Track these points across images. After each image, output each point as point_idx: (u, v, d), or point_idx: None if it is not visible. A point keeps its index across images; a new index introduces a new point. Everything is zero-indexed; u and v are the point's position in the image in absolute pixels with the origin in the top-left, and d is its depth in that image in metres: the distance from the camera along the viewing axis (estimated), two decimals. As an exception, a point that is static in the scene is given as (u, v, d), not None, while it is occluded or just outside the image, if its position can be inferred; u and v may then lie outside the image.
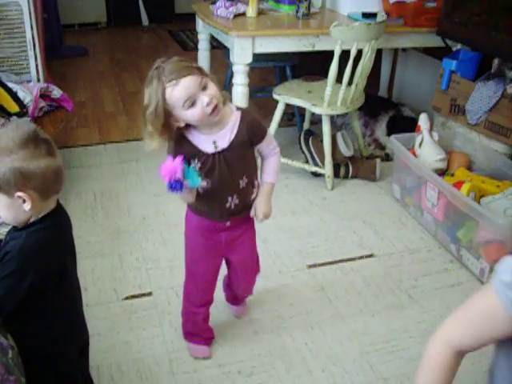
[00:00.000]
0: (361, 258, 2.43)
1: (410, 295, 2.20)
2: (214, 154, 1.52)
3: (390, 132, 3.33)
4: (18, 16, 2.88)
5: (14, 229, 1.27)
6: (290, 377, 1.81)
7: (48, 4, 4.60)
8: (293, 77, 3.48)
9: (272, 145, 1.63)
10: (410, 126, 3.12)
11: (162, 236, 2.52)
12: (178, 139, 1.52)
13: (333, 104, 2.84)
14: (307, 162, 3.08)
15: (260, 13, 3.15)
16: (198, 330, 1.87)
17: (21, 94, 2.68)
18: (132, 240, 2.49)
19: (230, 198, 1.58)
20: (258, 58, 2.94)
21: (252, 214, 1.68)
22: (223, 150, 1.52)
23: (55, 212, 1.29)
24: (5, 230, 1.35)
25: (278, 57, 3.40)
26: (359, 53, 2.77)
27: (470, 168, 2.76)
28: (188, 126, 1.51)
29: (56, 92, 2.90)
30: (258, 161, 1.68)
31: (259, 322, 2.03)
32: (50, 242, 1.25)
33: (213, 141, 1.51)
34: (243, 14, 3.09)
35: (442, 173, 2.69)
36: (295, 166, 3.03)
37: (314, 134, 3.14)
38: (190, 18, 3.64)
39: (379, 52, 3.68)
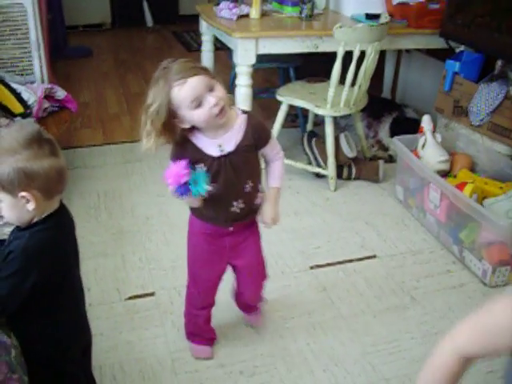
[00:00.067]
0: (363, 259, 2.43)
1: (412, 296, 2.20)
2: (219, 158, 1.50)
3: (393, 133, 3.32)
4: (22, 17, 2.90)
5: (18, 228, 1.27)
6: (291, 377, 1.82)
7: (52, 5, 4.61)
8: (296, 78, 3.49)
9: (276, 149, 1.62)
10: (414, 127, 3.11)
11: (165, 236, 2.53)
12: (183, 143, 1.50)
13: (336, 105, 2.84)
14: (310, 163, 3.09)
15: (263, 14, 3.15)
16: (200, 331, 1.87)
17: (25, 95, 2.69)
18: (135, 240, 2.50)
19: (235, 203, 1.57)
20: (261, 59, 2.94)
21: (259, 219, 1.67)
22: (229, 154, 1.50)
23: (58, 212, 1.30)
24: (8, 229, 1.35)
25: (281, 58, 3.41)
26: (362, 54, 2.77)
27: (472, 169, 2.76)
28: (192, 129, 1.49)
29: (60, 93, 2.91)
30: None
31: (261, 322, 2.04)
32: (53, 242, 1.26)
33: (218, 144, 1.50)
34: (247, 16, 3.10)
35: (444, 174, 2.70)
36: (298, 167, 3.03)
37: (317, 135, 3.15)
38: (194, 19, 3.64)
39: (383, 53, 3.68)
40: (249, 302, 1.92)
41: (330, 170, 2.93)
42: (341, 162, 3.02)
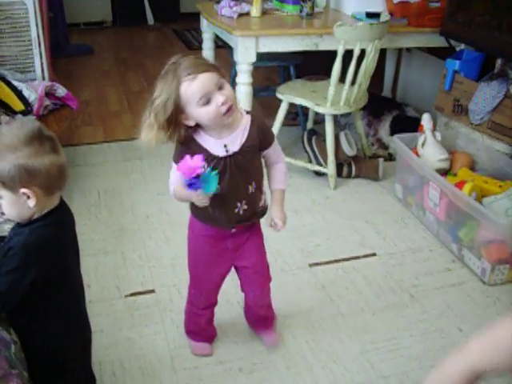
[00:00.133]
0: (362, 257, 2.43)
1: (411, 294, 2.21)
2: (225, 158, 1.49)
3: (393, 132, 3.33)
4: (23, 15, 2.91)
5: (18, 225, 1.28)
6: (290, 374, 1.82)
7: (54, 3, 4.62)
8: (297, 76, 3.49)
9: (278, 151, 1.61)
10: (414, 125, 3.12)
11: (164, 234, 2.53)
12: (187, 142, 1.49)
13: (336, 104, 2.84)
14: (310, 161, 3.10)
15: (264, 12, 3.16)
16: (201, 330, 1.87)
17: (26, 93, 2.70)
18: (135, 238, 2.50)
19: (238, 204, 1.55)
20: (261, 57, 2.95)
21: (268, 224, 1.65)
22: (234, 154, 1.49)
23: (58, 209, 1.31)
24: (8, 226, 1.36)
25: (281, 56, 3.41)
26: (363, 52, 2.78)
27: (472, 168, 2.77)
28: (196, 127, 1.48)
29: (61, 90, 2.92)
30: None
31: (260, 319, 2.04)
32: (52, 239, 1.27)
33: (224, 144, 1.48)
34: (247, 14, 3.11)
35: (444, 173, 2.70)
36: (298, 165, 3.04)
37: (317, 133, 3.15)
38: (195, 17, 3.66)
39: (383, 52, 3.69)
40: (255, 306, 1.84)
41: (330, 168, 2.94)
42: (341, 160, 3.02)
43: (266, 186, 1.66)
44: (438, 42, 3.13)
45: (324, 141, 2.98)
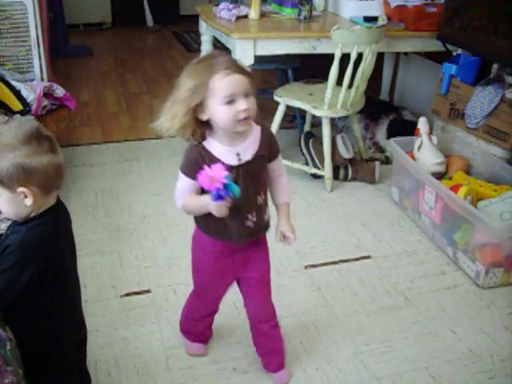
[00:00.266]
0: (358, 259, 2.45)
1: (405, 297, 2.22)
2: (237, 167, 1.46)
3: (390, 135, 3.34)
4: (22, 15, 2.92)
5: (15, 223, 1.29)
6: (284, 375, 1.83)
7: (53, 4, 4.64)
8: (295, 79, 3.51)
9: (282, 164, 1.61)
10: (411, 129, 3.13)
11: (161, 235, 2.54)
12: (198, 151, 1.46)
13: (333, 107, 2.86)
14: (307, 163, 3.11)
15: (262, 15, 3.18)
16: (198, 333, 1.86)
17: (24, 93, 2.71)
18: (132, 238, 2.51)
19: (249, 215, 1.52)
20: (259, 60, 2.96)
21: (278, 238, 1.63)
22: (246, 163, 1.47)
23: (55, 207, 1.32)
24: (5, 225, 1.37)
25: (279, 59, 3.43)
26: (360, 56, 2.79)
27: (468, 172, 2.78)
28: (207, 134, 1.45)
29: (59, 91, 2.93)
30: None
31: (256, 320, 2.05)
32: (49, 237, 1.28)
33: (236, 153, 1.46)
34: (246, 17, 3.13)
35: (440, 176, 2.72)
36: (295, 168, 3.05)
37: (314, 136, 3.17)
38: (195, 19, 3.67)
39: (381, 56, 3.71)
40: (257, 322, 1.75)
41: (327, 171, 2.95)
42: (337, 162, 3.04)
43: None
44: (435, 46, 3.15)
45: (321, 143, 3.00)
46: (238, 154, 1.46)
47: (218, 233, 1.55)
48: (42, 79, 3.07)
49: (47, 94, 2.88)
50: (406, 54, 3.94)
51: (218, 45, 3.68)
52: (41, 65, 3.06)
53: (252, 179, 1.49)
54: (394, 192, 2.90)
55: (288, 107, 3.05)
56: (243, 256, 1.62)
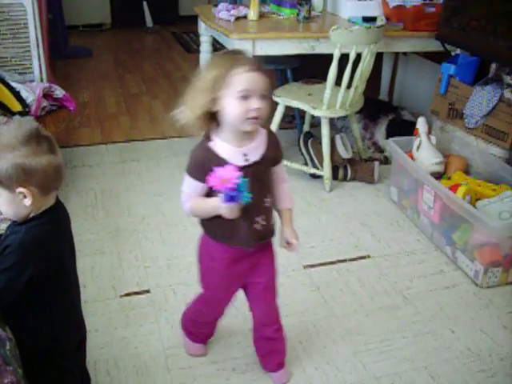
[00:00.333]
0: (357, 259, 2.45)
1: (404, 296, 2.23)
2: (245, 168, 1.43)
3: (389, 135, 3.35)
4: (22, 16, 2.93)
5: (14, 223, 1.30)
6: (283, 374, 1.84)
7: (53, 5, 4.65)
8: (294, 79, 3.52)
9: (283, 169, 1.61)
10: (410, 129, 3.14)
11: (160, 235, 2.55)
12: (205, 152, 1.45)
13: (332, 107, 2.87)
14: (306, 163, 3.12)
15: (261, 16, 3.18)
16: (200, 334, 1.86)
17: (24, 94, 2.72)
18: (131, 238, 2.52)
19: (257, 218, 1.51)
20: (258, 60, 2.96)
21: (282, 245, 1.62)
22: (254, 164, 1.46)
23: (54, 208, 1.32)
24: (5, 225, 1.38)
25: (279, 60, 3.43)
26: (359, 56, 2.80)
27: (467, 171, 2.79)
28: (215, 134, 1.45)
29: (58, 92, 2.93)
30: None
31: (255, 320, 2.06)
32: (48, 237, 1.28)
33: (243, 153, 1.45)
34: (245, 17, 3.13)
35: (439, 176, 2.72)
36: (294, 168, 3.06)
37: (313, 136, 3.18)
38: (194, 20, 3.67)
39: (380, 56, 3.72)
40: (262, 326, 1.74)
41: (326, 171, 2.96)
42: (336, 162, 3.04)
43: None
44: (434, 46, 3.16)
45: (320, 144, 3.00)
46: (245, 155, 1.45)
47: (227, 237, 1.53)
48: (42, 80, 3.08)
49: (47, 95, 2.88)
50: (405, 54, 3.94)
51: (217, 46, 3.68)
52: (40, 66, 3.07)
53: (259, 181, 1.47)
54: (393, 192, 2.91)
55: (287, 107, 3.05)
56: (252, 261, 1.60)
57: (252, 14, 3.11)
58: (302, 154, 3.14)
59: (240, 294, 1.74)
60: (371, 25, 2.83)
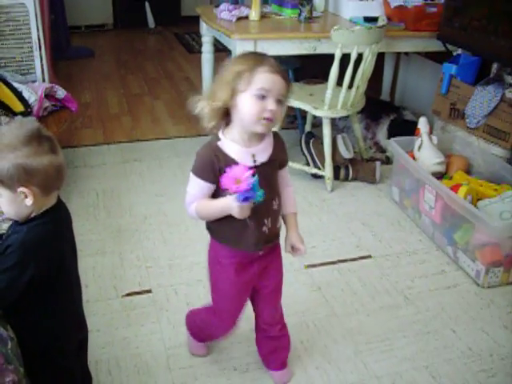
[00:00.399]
0: (358, 259, 2.45)
1: (405, 296, 2.23)
2: (253, 168, 1.40)
3: (390, 135, 3.35)
4: (24, 17, 2.93)
5: (16, 223, 1.30)
6: (284, 374, 1.84)
7: (55, 5, 4.66)
8: (295, 80, 3.52)
9: (288, 174, 1.60)
10: (411, 129, 3.14)
11: (162, 235, 2.55)
12: (214, 151, 1.43)
13: (333, 107, 2.87)
14: (308, 163, 3.12)
15: (263, 16, 3.19)
16: (207, 338, 1.84)
17: (26, 94, 2.72)
18: (133, 239, 2.52)
19: (265, 221, 1.50)
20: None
21: (288, 249, 1.62)
22: (262, 165, 1.45)
23: (56, 207, 1.33)
24: (6, 225, 1.38)
25: (280, 60, 3.43)
26: (360, 56, 2.80)
27: (468, 171, 2.79)
28: (223, 134, 1.44)
29: (60, 92, 2.94)
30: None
31: (256, 320, 2.06)
32: (50, 236, 1.29)
33: (252, 154, 1.44)
34: (246, 18, 3.13)
35: (440, 176, 2.72)
36: (296, 168, 3.06)
37: (315, 136, 3.18)
38: (196, 20, 3.68)
39: (382, 56, 3.72)
40: (267, 326, 1.74)
41: (327, 171, 2.96)
42: (338, 162, 3.05)
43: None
44: (435, 46, 3.16)
45: (321, 144, 3.01)
46: (253, 156, 1.45)
47: (235, 241, 1.52)
48: (44, 81, 3.08)
49: (49, 96, 2.89)
50: (406, 54, 3.94)
51: (219, 46, 3.69)
52: (42, 66, 3.07)
53: (266, 183, 1.43)
54: (395, 192, 2.91)
55: (289, 108, 3.05)
56: (261, 265, 1.59)
57: (253, 14, 3.12)
58: (303, 154, 3.14)
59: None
60: (372, 25, 2.83)
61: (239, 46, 2.82)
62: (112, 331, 1.98)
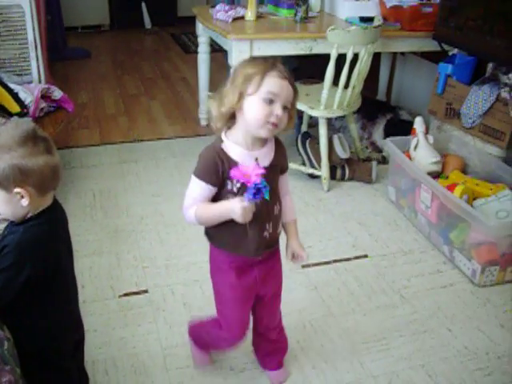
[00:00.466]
0: (355, 258, 2.46)
1: (402, 295, 2.23)
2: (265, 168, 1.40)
3: (387, 135, 3.36)
4: (20, 18, 2.94)
5: (12, 223, 1.30)
6: (281, 373, 1.84)
7: (51, 6, 4.66)
8: (292, 80, 3.52)
9: (288, 181, 1.60)
10: (407, 129, 3.14)
11: (159, 235, 2.55)
12: (217, 153, 1.42)
13: (329, 107, 2.87)
14: (304, 163, 3.12)
15: (259, 16, 3.20)
16: (214, 350, 1.83)
17: (22, 95, 2.72)
18: (129, 239, 2.53)
19: (267, 225, 1.49)
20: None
21: (289, 257, 1.63)
22: (264, 169, 1.41)
23: (52, 208, 1.33)
24: (3, 226, 1.39)
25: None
26: (356, 56, 2.81)
27: (464, 171, 2.80)
28: (227, 136, 1.44)
29: (57, 93, 2.94)
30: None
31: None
32: (46, 237, 1.29)
33: (255, 157, 1.44)
34: (242, 18, 3.14)
35: (436, 175, 2.73)
36: (292, 168, 3.05)
37: (311, 136, 3.18)
38: (193, 21, 3.68)
39: (378, 56, 3.73)
40: (266, 331, 1.74)
41: (323, 171, 2.97)
42: (334, 162, 3.05)
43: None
44: (431, 46, 3.17)
45: (318, 144, 3.01)
46: (256, 159, 1.44)
47: (234, 246, 1.50)
48: (40, 81, 3.09)
49: (45, 96, 2.89)
50: (402, 54, 3.95)
51: (215, 46, 3.69)
52: (38, 67, 3.07)
53: (270, 186, 1.40)
54: (391, 191, 2.92)
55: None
56: (263, 271, 1.58)
57: (249, 14, 3.13)
58: (299, 154, 3.15)
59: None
60: (368, 25, 2.84)
61: (235, 46, 2.83)
62: (109, 331, 1.98)
